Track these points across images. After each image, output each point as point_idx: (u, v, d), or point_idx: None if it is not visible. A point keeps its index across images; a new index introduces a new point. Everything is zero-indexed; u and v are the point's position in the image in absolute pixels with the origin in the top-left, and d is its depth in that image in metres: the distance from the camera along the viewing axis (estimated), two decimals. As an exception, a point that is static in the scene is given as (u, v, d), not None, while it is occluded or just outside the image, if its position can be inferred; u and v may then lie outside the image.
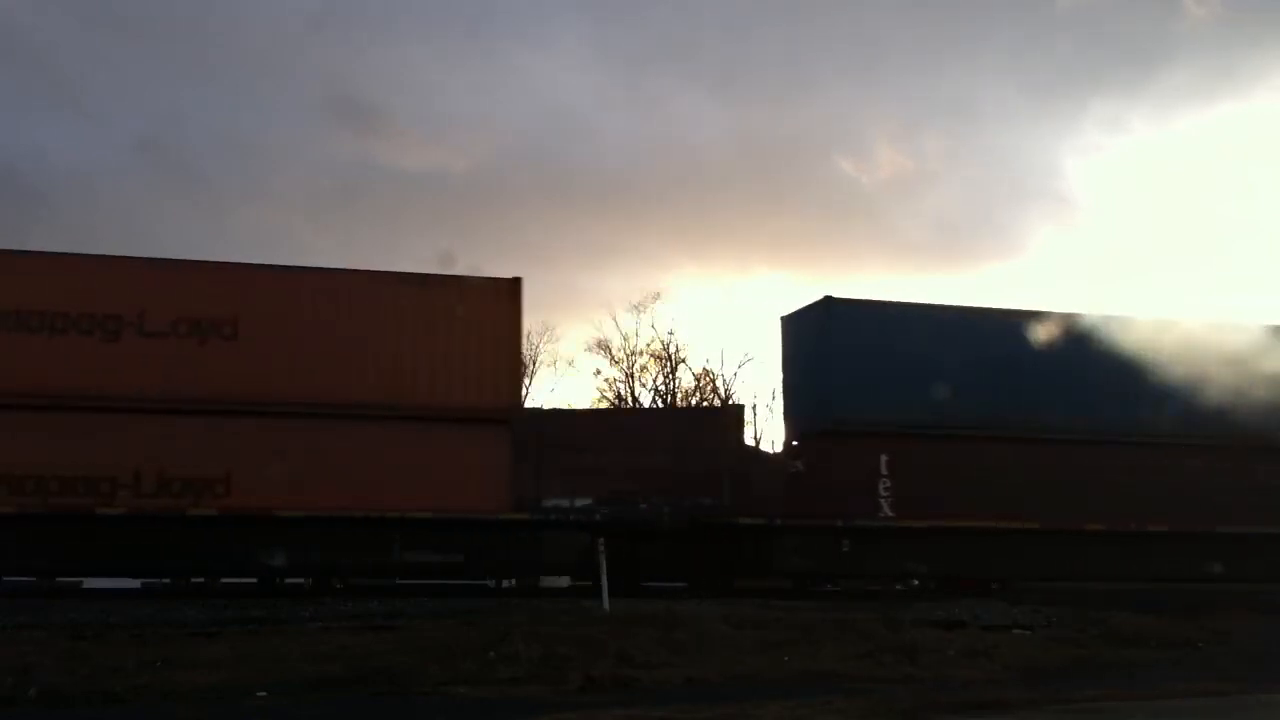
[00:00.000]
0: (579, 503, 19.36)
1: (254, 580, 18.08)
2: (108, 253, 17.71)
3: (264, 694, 9.71)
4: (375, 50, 60.53)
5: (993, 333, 19.33)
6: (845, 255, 62.62)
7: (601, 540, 15.95)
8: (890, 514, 18.64)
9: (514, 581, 19.81)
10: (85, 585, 18.10)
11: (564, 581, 19.62)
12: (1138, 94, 62.31)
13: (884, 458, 18.69)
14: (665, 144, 60.66)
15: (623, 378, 41.73)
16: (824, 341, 19.19)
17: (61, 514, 16.39)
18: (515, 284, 18.45)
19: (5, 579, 17.29)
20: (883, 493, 18.68)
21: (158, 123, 59.26)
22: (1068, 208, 60.85)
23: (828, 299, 19.22)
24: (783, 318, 20.74)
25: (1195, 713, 9.65)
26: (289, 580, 18.22)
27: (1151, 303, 55.42)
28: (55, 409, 16.48)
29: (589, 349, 42.01)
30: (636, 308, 41.39)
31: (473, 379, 17.93)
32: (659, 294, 44.49)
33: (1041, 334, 19.18)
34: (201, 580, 18.42)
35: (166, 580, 18.73)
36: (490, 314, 18.26)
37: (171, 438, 16.88)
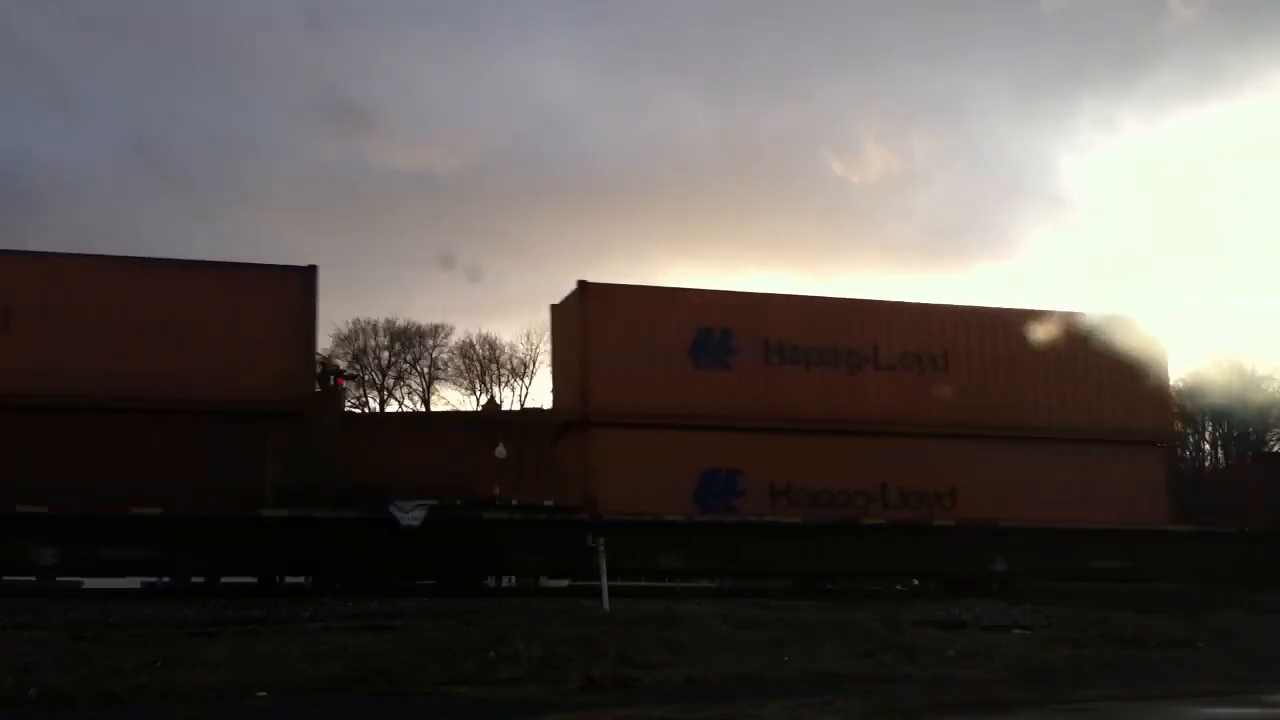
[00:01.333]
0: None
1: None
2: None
3: (264, 694, 9.69)
4: (366, 52, 60.73)
5: None
6: (837, 255, 62.75)
7: (601, 540, 16.02)
8: None
9: (514, 581, 19.91)
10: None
11: (564, 582, 19.71)
12: (1129, 93, 62.43)
13: None
14: (655, 143, 60.79)
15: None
16: None
17: (826, 524, 19.24)
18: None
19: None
20: None
21: (149, 123, 59.38)
22: (1061, 207, 60.91)
23: None
24: None
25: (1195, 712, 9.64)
26: (289, 579, 18.31)
27: (1148, 303, 55.53)
28: (812, 433, 19.33)
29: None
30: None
31: (1130, 405, 20.52)
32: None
33: None
34: (203, 580, 18.51)
35: (166, 579, 18.82)
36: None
37: (906, 458, 19.62)
